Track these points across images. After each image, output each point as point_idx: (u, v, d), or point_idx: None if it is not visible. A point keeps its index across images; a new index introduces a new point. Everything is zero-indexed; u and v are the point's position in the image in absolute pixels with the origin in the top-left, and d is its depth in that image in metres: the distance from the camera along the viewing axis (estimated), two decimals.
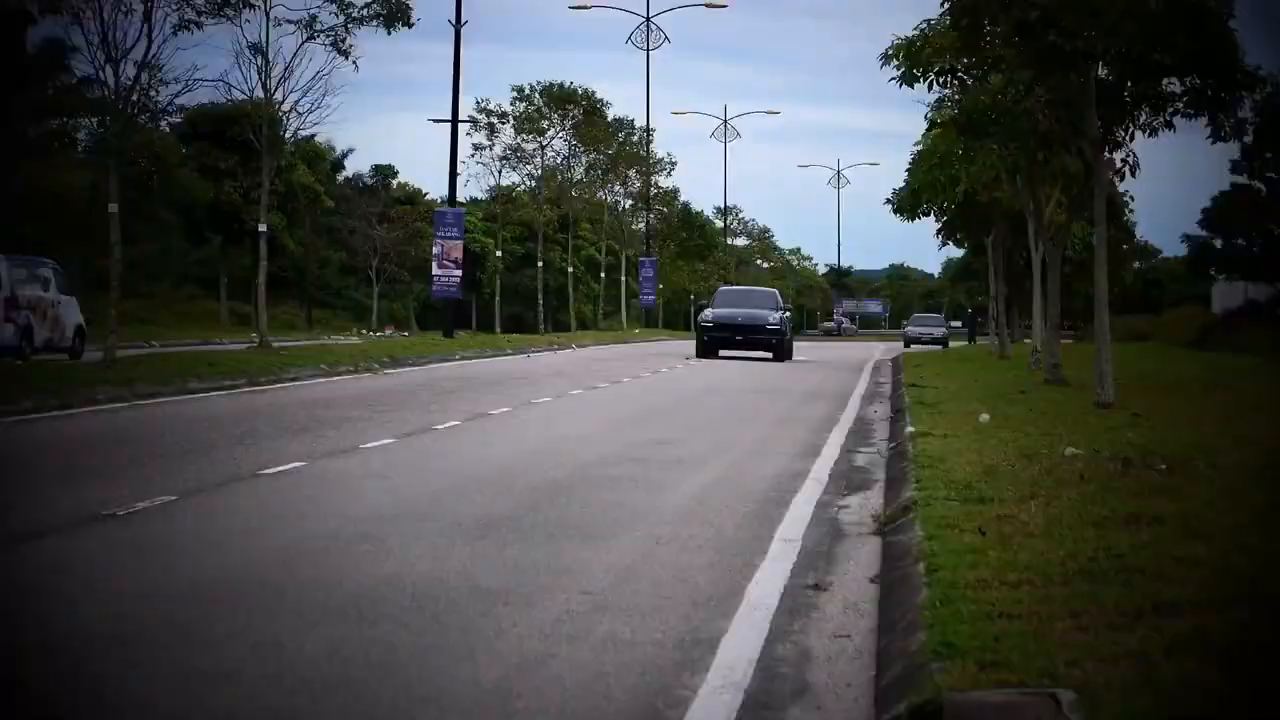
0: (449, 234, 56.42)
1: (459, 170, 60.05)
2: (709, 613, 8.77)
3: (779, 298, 51.38)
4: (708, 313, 48.73)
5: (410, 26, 41.48)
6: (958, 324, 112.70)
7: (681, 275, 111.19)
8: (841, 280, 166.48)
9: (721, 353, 46.83)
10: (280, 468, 14.77)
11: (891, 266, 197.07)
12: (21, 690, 6.99)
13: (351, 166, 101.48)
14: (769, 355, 46.74)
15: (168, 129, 64.93)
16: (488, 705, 6.81)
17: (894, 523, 11.88)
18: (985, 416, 19.79)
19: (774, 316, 47.64)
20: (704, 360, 45.04)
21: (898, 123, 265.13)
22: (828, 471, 16.23)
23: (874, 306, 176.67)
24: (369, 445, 17.26)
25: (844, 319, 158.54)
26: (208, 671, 7.17)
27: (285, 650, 7.59)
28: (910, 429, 18.92)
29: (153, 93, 33.39)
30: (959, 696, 6.20)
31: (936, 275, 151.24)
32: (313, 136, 76.15)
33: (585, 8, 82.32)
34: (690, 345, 51.10)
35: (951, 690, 6.29)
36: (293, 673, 7.21)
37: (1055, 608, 7.66)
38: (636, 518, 12.25)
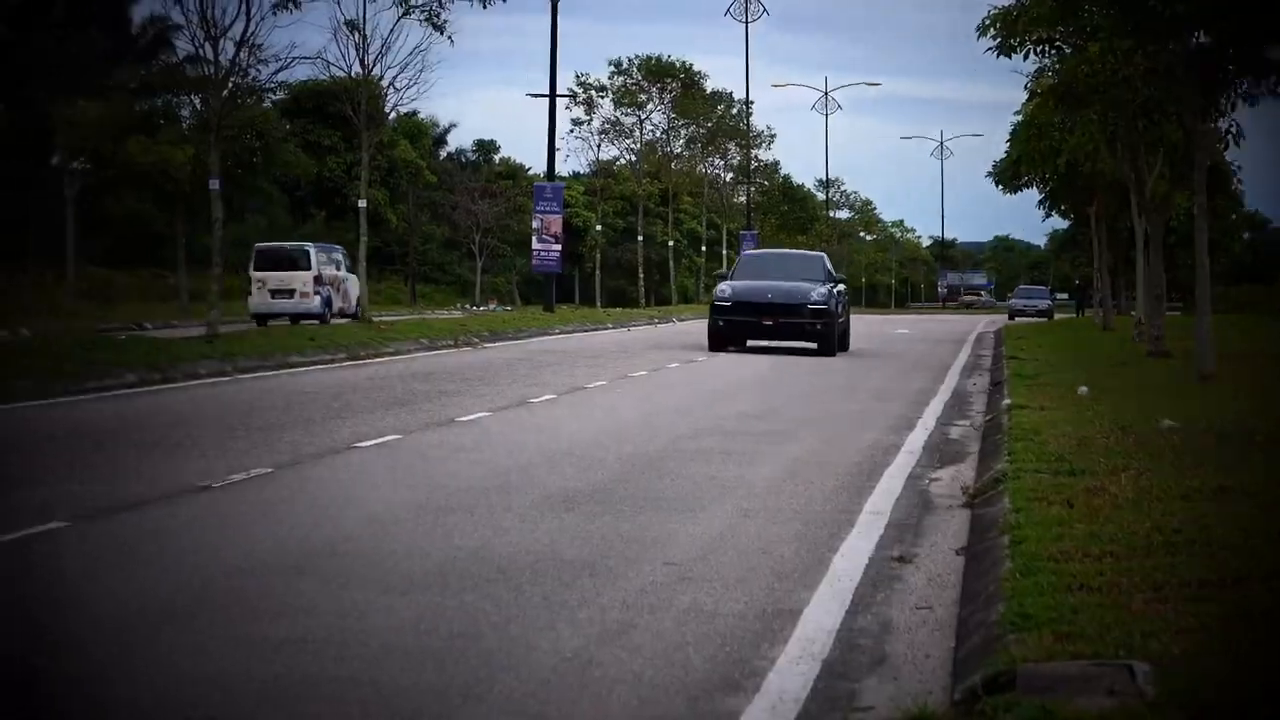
0: (548, 208, 56.65)
1: (558, 145, 60.29)
2: (792, 584, 8.78)
3: (826, 264, 35.72)
4: (724, 286, 33.64)
5: (505, 0, 41.66)
6: (1064, 296, 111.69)
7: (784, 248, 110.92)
8: (945, 252, 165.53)
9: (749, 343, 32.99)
10: (375, 440, 14.91)
11: (996, 238, 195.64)
12: (105, 662, 7.10)
13: (454, 142, 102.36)
14: (811, 345, 32.66)
15: (271, 105, 65.60)
16: (565, 674, 6.86)
17: (984, 495, 11.83)
18: (1084, 389, 19.65)
19: (819, 291, 32.64)
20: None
21: (1002, 94, 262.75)
22: (921, 444, 16.17)
23: (978, 278, 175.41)
24: (464, 419, 17.39)
25: (982, 292, 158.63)
26: (290, 639, 7.26)
27: (368, 619, 7.68)
28: (1007, 401, 18.81)
29: (252, 71, 33.81)
30: (1033, 667, 6.20)
31: (1042, 246, 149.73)
32: (415, 112, 76.96)
33: None
34: None
35: (1026, 661, 6.28)
36: (377, 640, 7.29)
37: (1136, 580, 7.61)
38: (725, 490, 12.27)
